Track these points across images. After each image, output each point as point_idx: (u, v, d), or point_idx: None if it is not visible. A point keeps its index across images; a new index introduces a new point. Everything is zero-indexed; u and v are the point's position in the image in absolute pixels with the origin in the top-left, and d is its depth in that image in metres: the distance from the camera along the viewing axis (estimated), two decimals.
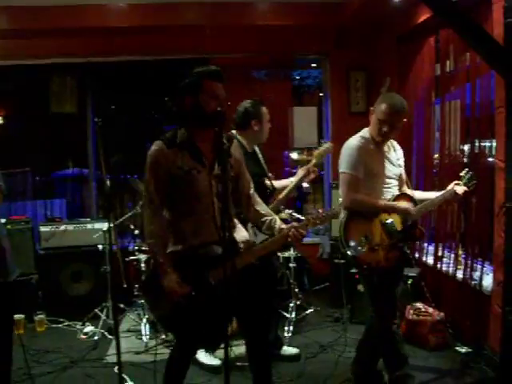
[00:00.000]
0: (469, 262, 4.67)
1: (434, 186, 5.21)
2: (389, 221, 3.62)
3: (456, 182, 3.84)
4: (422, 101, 5.62)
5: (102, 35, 6.09)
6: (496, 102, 3.97)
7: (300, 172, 4.34)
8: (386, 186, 3.72)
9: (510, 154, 3.70)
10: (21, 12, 5.69)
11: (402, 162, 3.88)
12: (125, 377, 3.85)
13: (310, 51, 6.86)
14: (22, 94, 7.45)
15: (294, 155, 4.39)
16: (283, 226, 3.04)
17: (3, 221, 5.54)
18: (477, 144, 4.62)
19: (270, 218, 3.11)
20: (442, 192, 3.82)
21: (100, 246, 5.20)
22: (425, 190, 5.31)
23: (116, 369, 3.62)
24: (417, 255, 5.66)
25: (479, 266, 4.55)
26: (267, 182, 4.28)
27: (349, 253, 3.54)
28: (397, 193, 3.76)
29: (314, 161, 4.32)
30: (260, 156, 4.34)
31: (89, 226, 5.72)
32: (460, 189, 3.77)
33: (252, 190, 3.18)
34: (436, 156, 5.44)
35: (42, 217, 6.80)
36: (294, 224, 3.01)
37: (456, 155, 5.07)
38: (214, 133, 2.81)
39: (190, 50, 6.45)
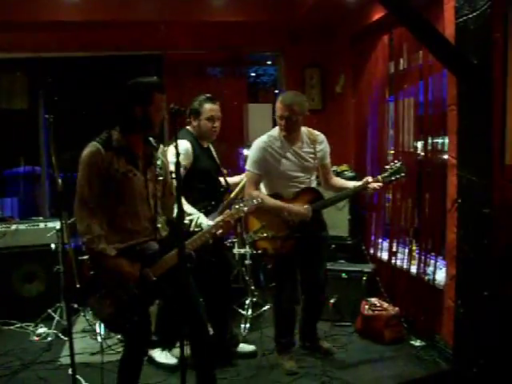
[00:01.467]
0: (422, 257, 4.75)
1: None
2: (288, 217, 3.98)
3: (369, 178, 4.09)
4: (376, 98, 5.68)
5: (53, 30, 5.96)
6: (448, 100, 4.04)
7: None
8: (295, 180, 4.08)
9: (462, 151, 3.78)
10: None
11: (322, 154, 4.18)
12: (79, 378, 3.77)
13: (265, 48, 6.87)
14: None
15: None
16: (210, 222, 3.38)
17: None
18: (430, 141, 4.69)
19: (195, 216, 3.49)
20: (352, 186, 4.17)
21: (53, 246, 5.10)
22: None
23: (70, 370, 3.54)
24: (371, 251, 5.74)
25: (432, 261, 4.65)
26: (222, 179, 4.29)
27: (247, 239, 4.12)
28: (308, 186, 4.11)
29: None
30: (214, 153, 4.34)
31: (41, 225, 5.56)
32: (371, 185, 4.05)
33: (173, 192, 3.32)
34: (390, 152, 5.52)
35: None
36: (220, 217, 3.28)
37: (410, 152, 5.14)
38: (144, 138, 3.09)
39: (145, 46, 6.38)
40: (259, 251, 4.10)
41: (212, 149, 4.33)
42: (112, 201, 2.99)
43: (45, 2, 5.74)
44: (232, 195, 4.32)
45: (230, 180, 4.43)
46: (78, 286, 3.54)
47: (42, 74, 6.53)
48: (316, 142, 4.15)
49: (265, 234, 3.96)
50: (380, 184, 4.06)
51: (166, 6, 6.00)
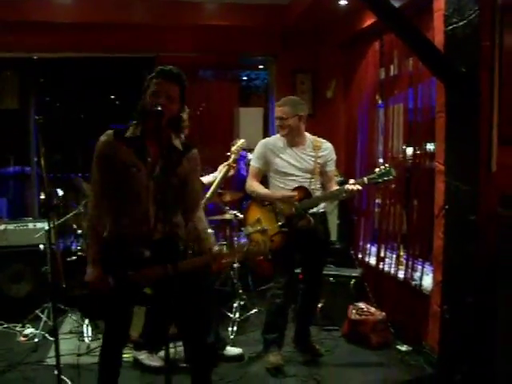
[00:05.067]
0: (410, 262, 4.78)
1: (377, 188, 5.30)
2: (278, 209, 4.24)
3: (352, 180, 4.04)
4: (367, 104, 5.72)
5: (45, 30, 5.95)
6: (436, 107, 4.07)
7: (222, 168, 4.52)
8: (291, 178, 4.27)
9: (449, 158, 3.81)
10: None
11: (323, 160, 4.32)
12: (65, 379, 3.77)
13: (257, 52, 6.89)
14: None
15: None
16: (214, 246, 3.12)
17: None
18: (418, 147, 4.72)
19: (203, 235, 3.14)
20: (335, 189, 4.22)
21: (41, 246, 5.09)
22: (369, 191, 5.44)
23: (55, 371, 3.54)
24: (360, 256, 5.76)
25: (420, 267, 4.67)
26: None
27: (244, 231, 4.40)
28: (301, 185, 4.22)
29: (233, 157, 4.55)
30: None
31: (30, 225, 5.55)
32: (350, 187, 3.97)
33: (197, 205, 3.18)
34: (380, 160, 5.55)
35: None
36: (223, 252, 3.06)
37: (399, 158, 5.17)
38: (164, 135, 2.89)
39: (137, 48, 6.38)
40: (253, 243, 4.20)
41: None
42: (115, 192, 2.94)
43: (37, 3, 5.74)
44: (207, 195, 4.42)
45: (205, 180, 4.49)
46: (64, 286, 3.54)
47: (33, 74, 6.51)
48: (319, 148, 4.33)
49: (259, 228, 4.22)
50: (358, 187, 3.94)
51: (160, 9, 6.02)
